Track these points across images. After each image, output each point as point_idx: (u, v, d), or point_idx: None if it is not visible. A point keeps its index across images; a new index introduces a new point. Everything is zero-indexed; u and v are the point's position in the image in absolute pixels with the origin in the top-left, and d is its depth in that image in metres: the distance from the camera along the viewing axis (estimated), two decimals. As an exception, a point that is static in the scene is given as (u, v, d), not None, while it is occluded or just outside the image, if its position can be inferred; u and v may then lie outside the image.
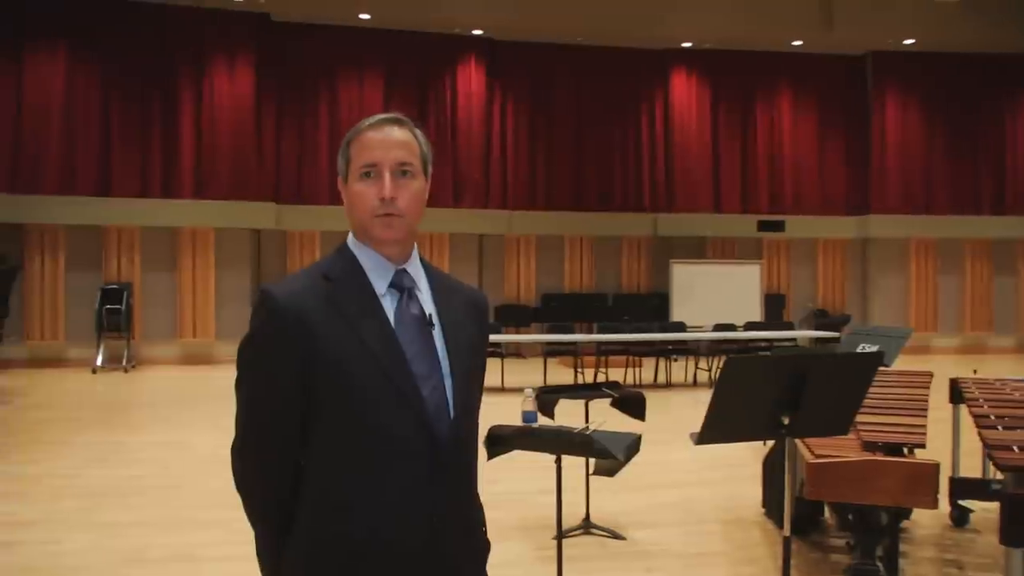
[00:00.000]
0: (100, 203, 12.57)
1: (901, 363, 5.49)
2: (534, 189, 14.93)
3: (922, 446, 2.89)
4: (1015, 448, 2.69)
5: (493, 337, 10.09)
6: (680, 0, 13.61)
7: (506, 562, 4.20)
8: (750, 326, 12.38)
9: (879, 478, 2.63)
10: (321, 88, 13.85)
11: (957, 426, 5.03)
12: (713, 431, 2.35)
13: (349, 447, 1.51)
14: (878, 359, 2.37)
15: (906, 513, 2.88)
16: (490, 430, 3.49)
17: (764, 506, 5.16)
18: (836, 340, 11.70)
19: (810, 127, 15.63)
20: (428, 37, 14.03)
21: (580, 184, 15.09)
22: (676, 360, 11.83)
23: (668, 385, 11.23)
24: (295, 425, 1.54)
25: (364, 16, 13.45)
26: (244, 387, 1.58)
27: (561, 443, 3.23)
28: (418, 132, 1.63)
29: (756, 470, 5.45)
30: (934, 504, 2.66)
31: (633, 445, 3.32)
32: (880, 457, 2.71)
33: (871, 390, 3.01)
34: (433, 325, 1.61)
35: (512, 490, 5.35)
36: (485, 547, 1.68)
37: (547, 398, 4.30)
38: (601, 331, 11.51)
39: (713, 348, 11.89)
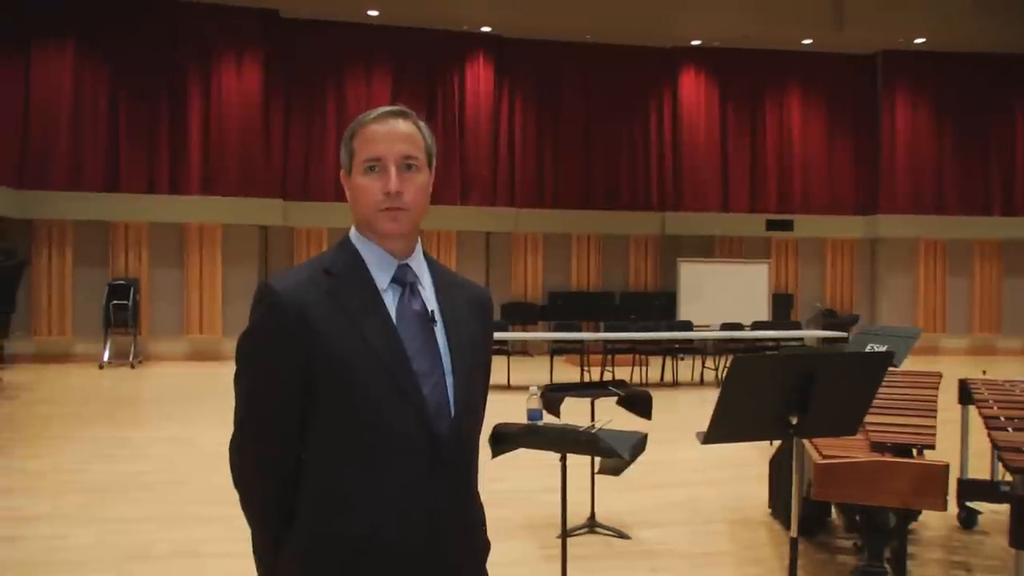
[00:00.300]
0: (108, 199, 12.60)
1: (909, 364, 5.46)
2: (541, 187, 14.91)
3: (931, 447, 2.86)
4: (1025, 450, 2.66)
5: (499, 335, 10.07)
6: (689, -2, 13.58)
7: (511, 561, 4.19)
8: (757, 325, 12.34)
9: (888, 479, 2.60)
10: (329, 85, 13.86)
11: (966, 427, 4.99)
12: (720, 430, 2.32)
13: (349, 443, 1.49)
14: (888, 359, 2.34)
15: (914, 515, 2.85)
16: (495, 428, 3.47)
17: (770, 506, 5.14)
18: (844, 340, 11.64)
19: (819, 126, 15.57)
20: (436, 34, 14.01)
21: (588, 182, 15.06)
22: (683, 359, 11.80)
23: (675, 384, 11.20)
24: (294, 420, 1.52)
25: (372, 12, 13.44)
26: (243, 381, 1.56)
27: (566, 442, 3.21)
28: (422, 125, 1.61)
29: (762, 470, 5.42)
30: (943, 506, 2.63)
31: (639, 444, 3.30)
32: (889, 458, 2.68)
33: (879, 390, 2.98)
34: (435, 321, 1.59)
35: (517, 488, 5.33)
36: (485, 546, 1.66)
37: (553, 396, 4.28)
38: (608, 329, 11.48)
39: (720, 347, 11.85)
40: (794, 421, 2.29)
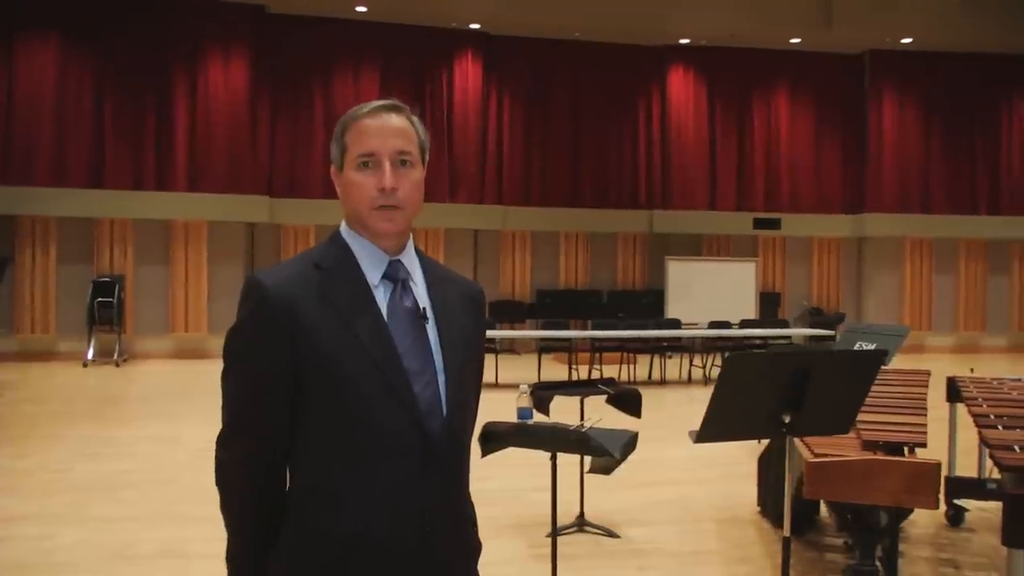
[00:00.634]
0: (92, 195, 12.48)
1: (895, 362, 5.47)
2: (529, 184, 14.89)
3: (923, 445, 2.87)
4: (1016, 448, 2.66)
5: (487, 333, 10.04)
6: (679, -4, 13.60)
7: (500, 560, 4.17)
8: (745, 324, 12.37)
9: (880, 477, 2.59)
10: (316, 81, 13.78)
11: (954, 425, 5.01)
12: (713, 429, 2.31)
13: (339, 441, 1.47)
14: (881, 357, 2.34)
15: (906, 513, 2.85)
16: (484, 427, 3.45)
17: (759, 504, 5.14)
18: (831, 338, 11.69)
19: (807, 125, 15.62)
20: (425, 31, 13.96)
21: (576, 180, 15.05)
22: (670, 357, 11.81)
23: (663, 382, 11.22)
24: (283, 417, 1.49)
25: (360, 9, 13.38)
26: (231, 378, 1.53)
27: (556, 441, 3.19)
28: (415, 119, 1.58)
29: (751, 468, 5.42)
30: (936, 504, 2.63)
31: (629, 443, 3.29)
32: (881, 456, 2.68)
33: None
34: (427, 318, 1.57)
35: (506, 487, 5.31)
36: (477, 546, 1.65)
37: (542, 394, 4.27)
38: (596, 328, 11.48)
39: (708, 346, 11.87)
40: (787, 420, 2.29)
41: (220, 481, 1.57)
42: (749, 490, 5.41)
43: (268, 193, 13.42)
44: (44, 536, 4.53)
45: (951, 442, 5.00)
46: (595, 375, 10.48)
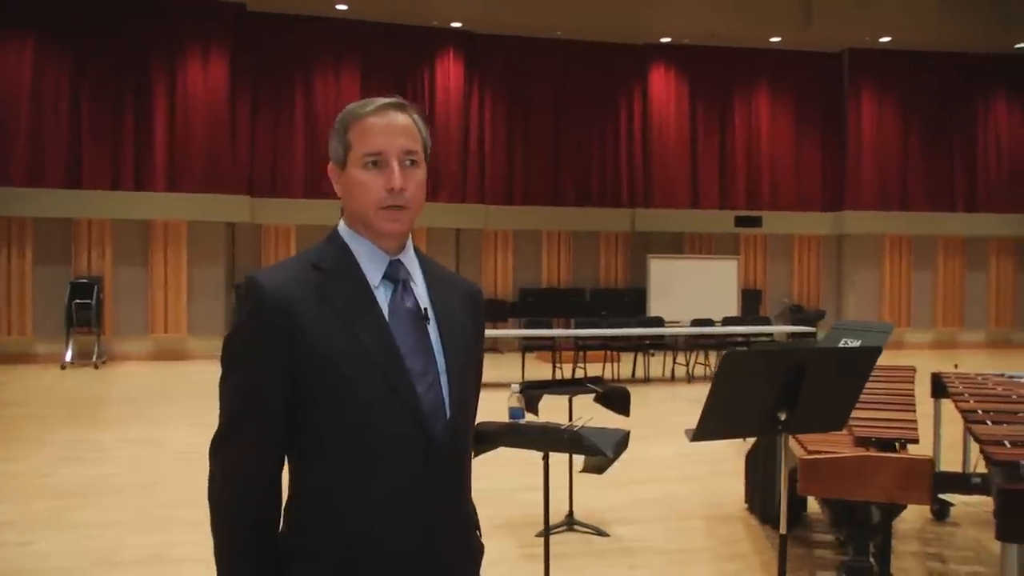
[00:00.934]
0: (70, 195, 12.32)
1: (879, 358, 5.50)
2: (512, 183, 14.88)
3: (915, 441, 2.88)
4: (1006, 443, 2.68)
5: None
6: (659, -5, 13.65)
7: (491, 560, 4.12)
8: (727, 321, 12.43)
9: (873, 474, 2.60)
10: (297, 80, 13.69)
11: (938, 420, 5.05)
12: (709, 427, 2.30)
13: (341, 443, 1.45)
14: (876, 354, 2.34)
15: (899, 509, 2.87)
16: (476, 427, 3.43)
17: (747, 501, 5.16)
18: (812, 335, 11.78)
19: (787, 123, 15.72)
20: (406, 29, 13.90)
21: (558, 179, 15.06)
22: (653, 355, 11.84)
23: (646, 380, 11.24)
24: (280, 418, 1.46)
25: (341, 7, 13.30)
26: (230, 380, 1.49)
27: (549, 440, 3.18)
28: (417, 117, 1.56)
29: (737, 465, 5.44)
30: (928, 500, 2.65)
31: (622, 442, 3.29)
32: (874, 453, 2.69)
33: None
34: (428, 319, 1.54)
35: (496, 487, 5.29)
36: (479, 547, 1.63)
37: (531, 393, 4.25)
38: (579, 326, 11.49)
39: (691, 343, 11.91)
40: (783, 417, 2.28)
41: (213, 494, 1.50)
42: (735, 487, 5.43)
43: (248, 193, 13.32)
44: (26, 543, 4.46)
45: (936, 437, 5.04)
46: (579, 374, 10.48)
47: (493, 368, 10.80)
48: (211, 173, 12.87)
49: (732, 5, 13.90)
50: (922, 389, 4.98)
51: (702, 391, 8.60)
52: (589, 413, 4.11)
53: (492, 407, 4.89)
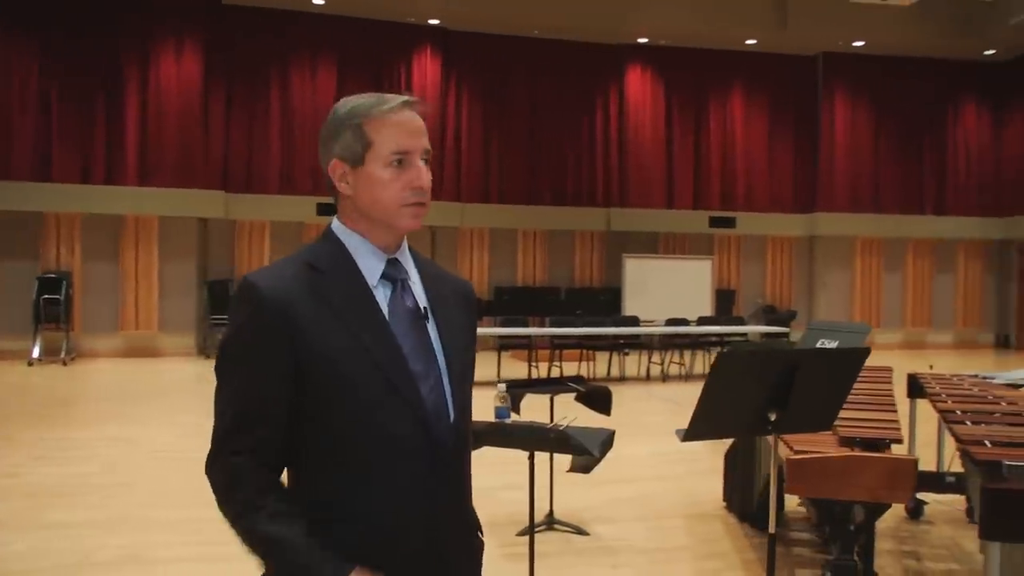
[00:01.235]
0: (38, 188, 12.11)
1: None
2: (487, 182, 14.87)
3: (899, 441, 2.92)
4: (987, 443, 2.72)
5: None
6: (637, -4, 13.71)
7: (473, 559, 4.13)
8: (702, 321, 12.51)
9: (859, 473, 2.64)
10: (272, 75, 13.56)
11: (913, 420, 5.13)
12: (701, 427, 2.32)
13: (344, 446, 1.43)
14: (865, 355, 2.37)
15: (883, 508, 2.90)
16: (463, 426, 3.41)
17: (725, 500, 5.19)
18: (785, 336, 11.90)
19: (761, 125, 15.87)
20: (383, 25, 13.83)
21: (534, 177, 15.07)
22: (627, 354, 11.89)
23: (622, 379, 11.28)
24: (281, 421, 1.43)
25: (318, 1, 13.20)
26: (230, 384, 1.45)
27: (535, 440, 3.18)
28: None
29: (713, 464, 5.48)
30: (911, 498, 2.69)
31: (607, 441, 3.29)
32: (859, 453, 2.72)
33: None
34: (428, 319, 1.53)
35: (476, 486, 5.26)
36: (480, 546, 1.63)
37: (513, 393, 4.24)
38: (555, 325, 11.50)
39: (665, 342, 11.98)
40: (773, 417, 2.30)
41: (229, 506, 1.42)
42: (712, 486, 5.47)
43: (222, 188, 13.17)
44: (0, 543, 4.37)
45: (911, 437, 5.11)
46: (555, 373, 10.51)
47: (469, 366, 10.77)
48: (184, 168, 12.71)
49: (709, 7, 14.01)
50: (896, 389, 5.06)
51: (677, 391, 8.74)
52: (569, 412, 4.12)
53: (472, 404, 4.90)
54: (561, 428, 3.18)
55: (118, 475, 5.80)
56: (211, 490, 1.44)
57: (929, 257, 16.22)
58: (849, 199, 15.78)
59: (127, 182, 12.55)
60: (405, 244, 1.57)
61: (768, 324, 13.56)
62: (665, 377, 11.43)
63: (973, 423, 3.14)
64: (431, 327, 1.53)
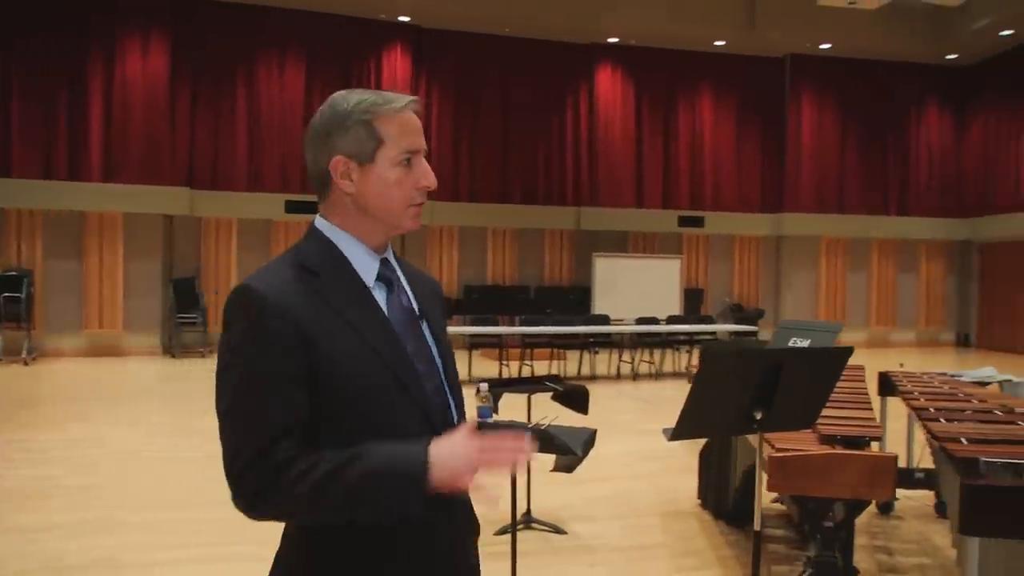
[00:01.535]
0: (-2, 184, 11.85)
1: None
2: (458, 180, 14.83)
3: (879, 439, 2.96)
4: (963, 440, 2.77)
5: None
6: (608, -5, 13.77)
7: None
8: (672, 320, 12.60)
9: (840, 471, 2.67)
10: (240, 71, 13.39)
11: (884, 418, 5.20)
12: (688, 426, 2.32)
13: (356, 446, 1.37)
14: (848, 354, 2.40)
15: (864, 505, 2.94)
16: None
17: (700, 497, 5.23)
18: (754, 334, 12.03)
19: (729, 126, 16.02)
20: (353, 22, 13.73)
21: (504, 176, 15.06)
22: (597, 353, 11.94)
23: (593, 378, 11.31)
24: (303, 428, 1.36)
25: (287, -4, 13.07)
26: (251, 396, 1.34)
27: (519, 439, 3.17)
28: None
29: (686, 462, 5.53)
30: (892, 495, 2.73)
31: (590, 440, 3.30)
32: (840, 450, 2.75)
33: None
34: (422, 318, 1.52)
35: (451, 485, 5.26)
36: (478, 525, 1.64)
37: (493, 392, 4.23)
38: (525, 323, 11.51)
39: (635, 341, 12.04)
40: (758, 416, 2.32)
41: (298, 507, 1.32)
42: (686, 484, 5.51)
43: (188, 185, 12.98)
44: (-39, 548, 4.26)
45: (883, 434, 5.19)
46: (525, 371, 10.51)
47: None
48: (149, 164, 12.51)
49: (678, 8, 14.11)
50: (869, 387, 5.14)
51: (647, 389, 8.79)
52: (547, 412, 4.12)
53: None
54: (543, 427, 3.17)
55: (86, 477, 5.68)
56: (245, 507, 1.32)
57: (893, 257, 16.51)
58: (815, 199, 16.01)
59: (91, 178, 12.31)
60: (389, 244, 1.55)
61: (736, 323, 13.69)
62: (636, 376, 11.50)
63: (947, 420, 3.19)
64: (424, 328, 1.52)
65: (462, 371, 9.67)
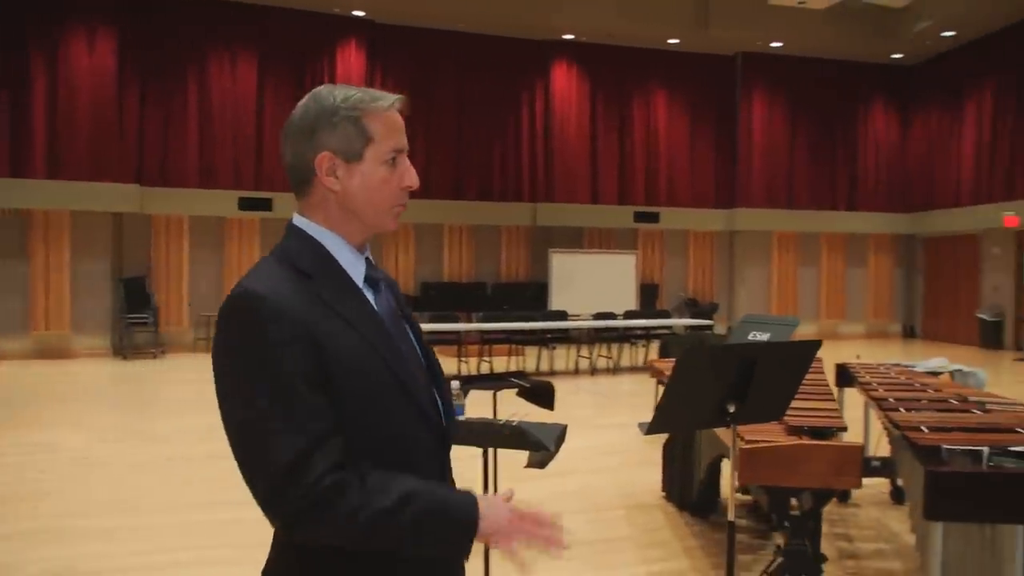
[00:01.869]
0: (-63, 182, 11.46)
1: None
2: (413, 176, 14.72)
3: (844, 429, 3.03)
4: (924, 428, 2.85)
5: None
6: (563, -8, 13.81)
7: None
8: (629, 315, 12.72)
9: (807, 461, 2.73)
10: (190, 65, 13.12)
11: (841, 408, 5.32)
12: (664, 421, 2.35)
13: (361, 447, 1.34)
14: (816, 346, 2.45)
15: (831, 494, 3.01)
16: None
17: (664, 490, 5.30)
18: (709, 328, 12.20)
19: (683, 123, 16.21)
20: (306, 16, 13.55)
21: (460, 173, 15.03)
22: (554, 348, 11.99)
23: (551, 373, 11.37)
24: (332, 436, 1.30)
25: (237, -10, 12.85)
26: (265, 407, 1.28)
27: (492, 436, 3.17)
28: None
29: (648, 456, 5.59)
30: (859, 483, 2.80)
31: (561, 436, 3.32)
32: (808, 441, 2.81)
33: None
34: (406, 318, 1.52)
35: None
36: None
37: (465, 388, 4.22)
38: (483, 320, 11.51)
39: (592, 336, 12.13)
40: (732, 409, 2.35)
41: (353, 530, 1.27)
42: (647, 477, 5.57)
43: (137, 181, 12.69)
44: (-91, 559, 4.11)
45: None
46: (484, 368, 10.52)
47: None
48: (96, 160, 12.20)
49: (631, 6, 14.22)
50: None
51: (606, 384, 8.87)
52: (512, 408, 4.12)
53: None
54: (515, 424, 3.18)
55: (38, 484, 5.52)
56: (283, 529, 1.28)
57: (842, 251, 16.89)
58: (766, 195, 16.29)
59: (35, 175, 11.96)
60: (367, 244, 1.54)
61: (691, 317, 13.88)
62: (594, 371, 11.58)
63: (907, 410, 3.28)
64: (406, 327, 1.52)
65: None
